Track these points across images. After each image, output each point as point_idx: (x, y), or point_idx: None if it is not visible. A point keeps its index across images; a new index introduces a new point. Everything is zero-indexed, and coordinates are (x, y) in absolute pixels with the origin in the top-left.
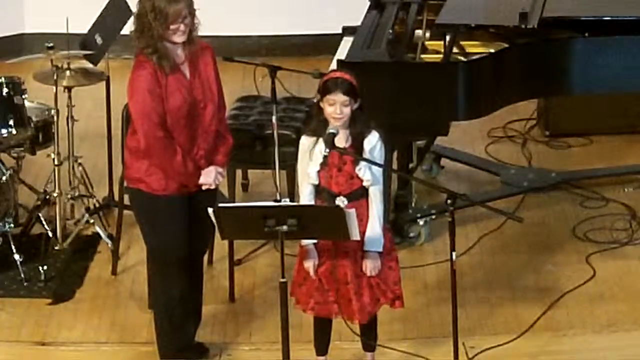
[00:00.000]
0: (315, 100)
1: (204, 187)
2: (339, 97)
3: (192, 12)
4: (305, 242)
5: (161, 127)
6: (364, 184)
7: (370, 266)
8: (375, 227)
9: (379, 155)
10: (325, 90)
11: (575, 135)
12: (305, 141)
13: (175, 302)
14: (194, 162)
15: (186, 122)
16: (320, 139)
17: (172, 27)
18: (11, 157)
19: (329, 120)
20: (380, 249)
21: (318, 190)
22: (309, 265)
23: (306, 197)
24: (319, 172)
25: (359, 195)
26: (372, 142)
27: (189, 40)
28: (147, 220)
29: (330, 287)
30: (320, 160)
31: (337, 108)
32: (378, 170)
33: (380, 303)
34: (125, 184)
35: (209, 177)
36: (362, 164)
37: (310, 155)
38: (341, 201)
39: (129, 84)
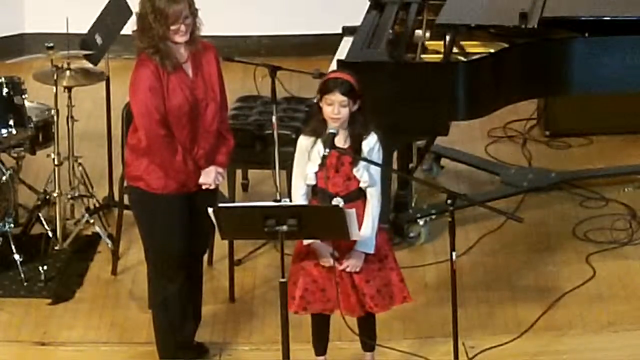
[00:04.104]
0: (315, 100)
1: (203, 187)
2: (337, 97)
3: (193, 13)
4: (308, 241)
5: (162, 125)
6: (361, 185)
7: (351, 263)
8: (368, 229)
9: (377, 157)
10: (324, 89)
11: (575, 135)
12: (303, 141)
13: (172, 301)
14: (194, 162)
15: (187, 121)
16: (319, 140)
17: (172, 27)
18: (11, 157)
19: (327, 120)
20: (371, 251)
21: (315, 190)
22: (329, 259)
23: (300, 197)
24: (316, 172)
25: (356, 196)
26: (371, 144)
27: (191, 40)
28: (146, 219)
29: (326, 286)
30: (319, 160)
31: (335, 108)
32: (376, 172)
33: (394, 304)
34: (125, 182)
35: (209, 177)
36: (360, 165)
37: (309, 156)
38: (337, 202)
39: (130, 82)
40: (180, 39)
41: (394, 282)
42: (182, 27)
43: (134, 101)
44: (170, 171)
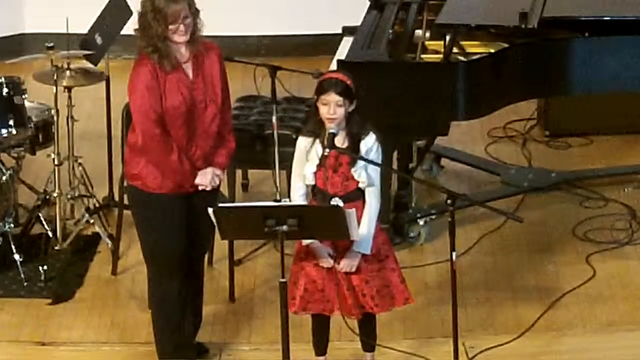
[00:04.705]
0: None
1: (199, 188)
2: (332, 97)
3: (193, 13)
4: (307, 241)
5: (158, 124)
6: (360, 185)
7: (346, 263)
8: (364, 229)
9: (375, 157)
10: (320, 90)
11: (575, 135)
12: (302, 142)
13: (171, 301)
14: (190, 162)
15: (184, 121)
16: (317, 140)
17: (171, 27)
18: (11, 157)
19: (323, 120)
20: (367, 252)
21: (314, 191)
22: (327, 259)
23: (298, 197)
24: (315, 173)
25: (355, 196)
26: (369, 144)
27: (191, 40)
28: (142, 218)
29: (325, 286)
30: (317, 161)
31: (330, 108)
32: (374, 172)
33: (396, 305)
34: (125, 181)
35: (205, 178)
36: (358, 165)
37: (307, 156)
38: (336, 203)
39: (129, 81)
40: (179, 38)
41: (395, 284)
42: (182, 27)
43: (131, 100)
44: (166, 171)
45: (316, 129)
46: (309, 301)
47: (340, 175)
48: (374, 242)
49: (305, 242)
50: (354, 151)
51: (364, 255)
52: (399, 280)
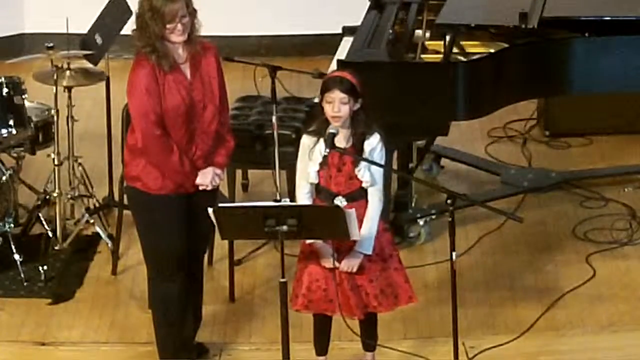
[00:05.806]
0: (315, 101)
1: (200, 188)
2: (337, 95)
3: (191, 12)
4: (310, 240)
5: (158, 125)
6: (363, 185)
7: (346, 263)
8: (365, 230)
9: (379, 157)
10: (324, 88)
11: (575, 135)
12: (306, 141)
13: (172, 301)
14: (191, 162)
15: (184, 122)
16: (321, 139)
17: (168, 26)
18: (11, 157)
19: (329, 119)
20: (369, 252)
21: (318, 189)
22: (329, 259)
23: (303, 196)
24: (318, 171)
25: (358, 195)
26: (373, 144)
27: (189, 40)
28: (143, 219)
29: (328, 286)
30: (320, 160)
31: (334, 106)
32: (377, 172)
33: (399, 305)
34: (124, 182)
35: (206, 177)
36: (362, 165)
37: (310, 155)
38: (340, 201)
39: (128, 82)
40: (177, 38)
41: (399, 283)
42: (179, 27)
43: (130, 101)
44: (167, 171)
45: (321, 128)
46: (311, 300)
47: (344, 174)
48: (378, 242)
49: (308, 240)
50: (358, 151)
51: (367, 255)
52: (403, 280)
